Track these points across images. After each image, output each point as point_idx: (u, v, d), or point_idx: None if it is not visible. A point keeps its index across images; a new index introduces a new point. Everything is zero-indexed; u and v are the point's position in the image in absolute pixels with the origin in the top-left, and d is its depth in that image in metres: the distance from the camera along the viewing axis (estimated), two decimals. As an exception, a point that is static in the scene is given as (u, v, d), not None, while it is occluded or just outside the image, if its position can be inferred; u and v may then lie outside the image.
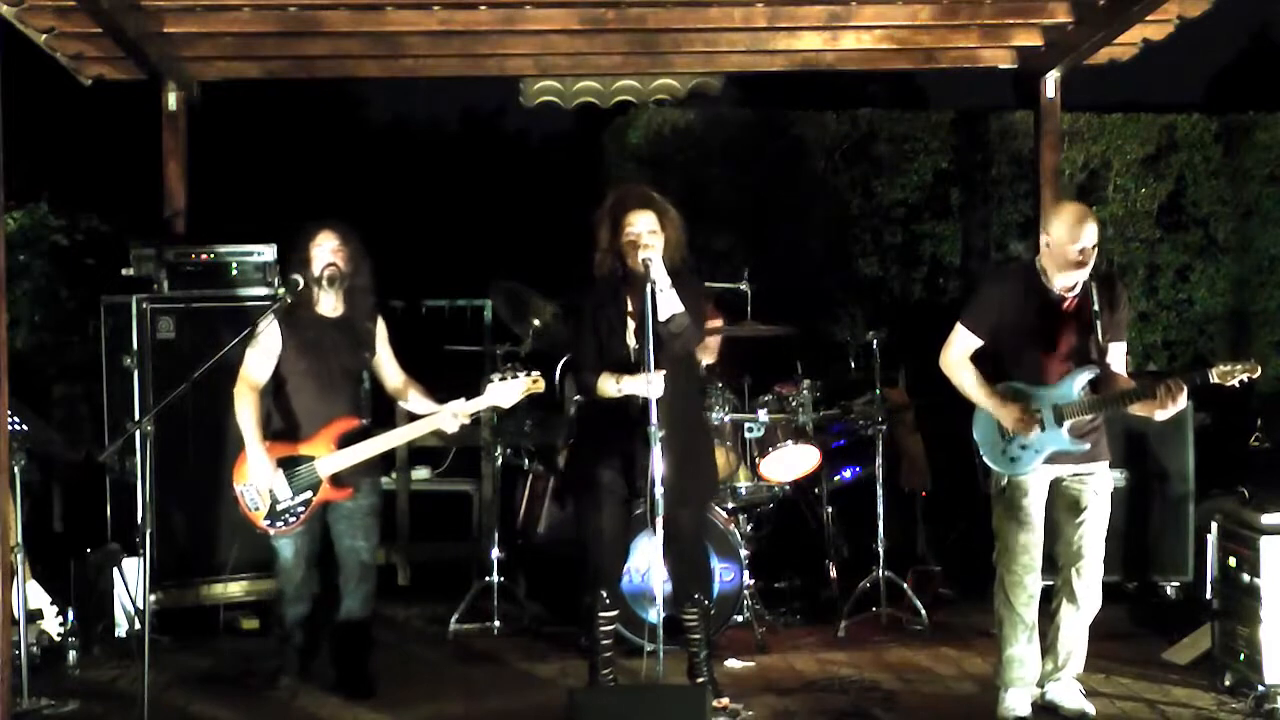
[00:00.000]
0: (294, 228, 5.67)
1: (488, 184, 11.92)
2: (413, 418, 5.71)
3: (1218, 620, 5.58)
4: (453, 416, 5.42)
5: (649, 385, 4.77)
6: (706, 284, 6.15)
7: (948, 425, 7.39)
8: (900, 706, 5.44)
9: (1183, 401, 4.86)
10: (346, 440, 5.48)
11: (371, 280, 5.63)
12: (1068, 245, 4.96)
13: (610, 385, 5.04)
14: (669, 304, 4.93)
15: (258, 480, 5.44)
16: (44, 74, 7.58)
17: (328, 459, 5.46)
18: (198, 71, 7.52)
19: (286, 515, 5.48)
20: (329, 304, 5.59)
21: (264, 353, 5.52)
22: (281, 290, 5.66)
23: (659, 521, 4.67)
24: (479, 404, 5.42)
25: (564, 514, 6.30)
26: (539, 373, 5.41)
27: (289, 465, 5.47)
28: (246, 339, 5.48)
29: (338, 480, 5.49)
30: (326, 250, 5.51)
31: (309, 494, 5.47)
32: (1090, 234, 4.96)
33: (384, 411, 6.30)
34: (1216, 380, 4.83)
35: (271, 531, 5.52)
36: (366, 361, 5.64)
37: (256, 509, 5.49)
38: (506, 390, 5.36)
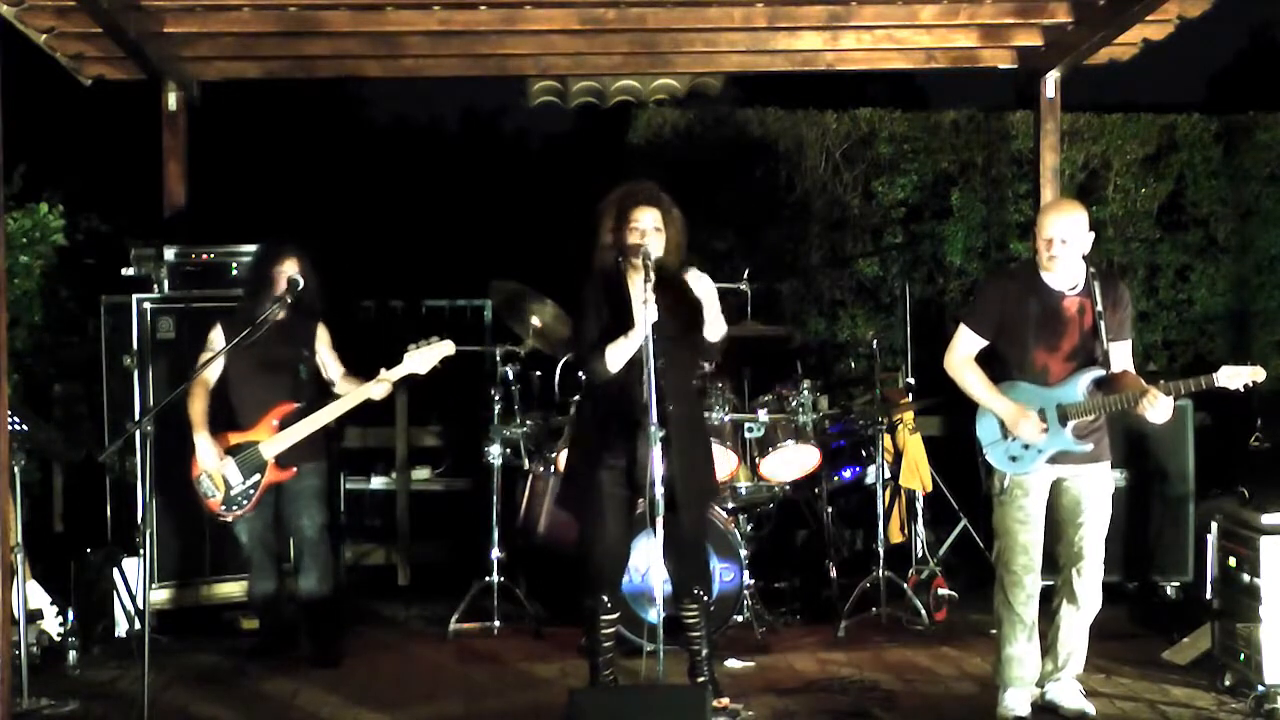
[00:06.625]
0: (260, 245, 6.19)
1: (488, 184, 11.87)
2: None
3: (1218, 620, 5.58)
4: (378, 383, 5.81)
5: (645, 307, 4.72)
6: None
7: (948, 425, 7.44)
8: (900, 706, 5.44)
9: (1166, 407, 4.85)
10: (286, 423, 5.89)
11: (317, 289, 6.02)
12: (1039, 235, 5.00)
13: (618, 344, 4.90)
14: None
15: (206, 465, 5.85)
16: (44, 74, 7.58)
17: (270, 441, 5.87)
18: (198, 71, 7.53)
19: (239, 499, 5.89)
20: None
21: (211, 353, 5.89)
22: (282, 290, 5.86)
23: (659, 521, 4.65)
24: (399, 371, 5.78)
25: (564, 514, 6.29)
26: (449, 339, 5.78)
27: (237, 452, 5.88)
28: (246, 338, 5.65)
29: (282, 461, 5.88)
30: (290, 274, 5.91)
31: (257, 476, 5.88)
32: (1061, 224, 4.95)
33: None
34: (1222, 384, 4.82)
35: (229, 517, 5.93)
36: (304, 358, 6.01)
37: (213, 496, 5.89)
38: (422, 357, 5.76)
